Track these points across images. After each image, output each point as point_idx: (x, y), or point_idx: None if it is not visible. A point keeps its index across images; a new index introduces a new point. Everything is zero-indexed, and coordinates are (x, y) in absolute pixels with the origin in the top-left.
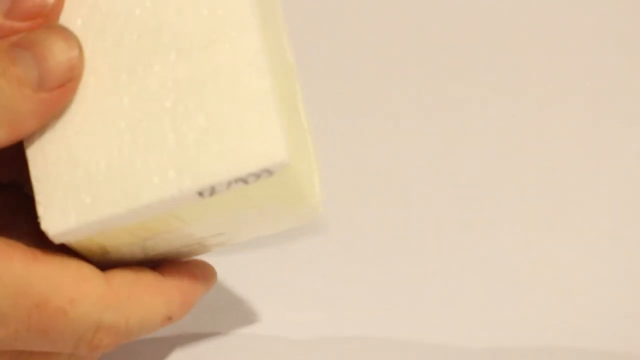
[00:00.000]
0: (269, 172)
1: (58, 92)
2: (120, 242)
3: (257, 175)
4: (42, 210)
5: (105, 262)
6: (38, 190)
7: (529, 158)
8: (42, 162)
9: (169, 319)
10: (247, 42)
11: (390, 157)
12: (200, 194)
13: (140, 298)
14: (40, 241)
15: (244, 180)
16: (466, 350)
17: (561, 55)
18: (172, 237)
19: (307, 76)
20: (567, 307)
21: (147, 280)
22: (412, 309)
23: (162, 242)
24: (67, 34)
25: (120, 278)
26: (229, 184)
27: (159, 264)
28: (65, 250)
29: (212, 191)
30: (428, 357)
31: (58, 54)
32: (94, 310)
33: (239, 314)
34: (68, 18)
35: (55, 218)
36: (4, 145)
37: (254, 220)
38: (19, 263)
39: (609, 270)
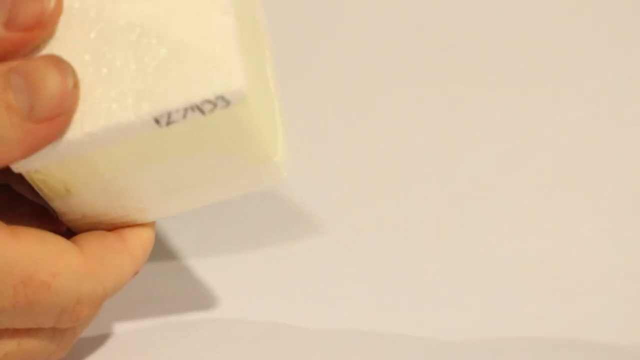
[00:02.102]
0: (224, 100)
1: (47, 124)
2: (82, 181)
3: (214, 104)
4: None
5: (67, 208)
6: None
7: (529, 158)
8: None
9: (136, 272)
10: None
11: (390, 157)
12: (157, 121)
13: (112, 263)
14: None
15: (200, 109)
16: (466, 349)
17: (561, 55)
18: (131, 182)
19: (307, 76)
20: (567, 306)
21: (113, 243)
22: (413, 309)
23: (123, 187)
24: (63, 66)
25: (91, 247)
26: (185, 112)
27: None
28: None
29: (169, 118)
30: (428, 356)
31: (51, 85)
32: (74, 282)
33: (239, 313)
34: None
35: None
36: None
37: (210, 172)
38: (2, 241)
39: (609, 269)
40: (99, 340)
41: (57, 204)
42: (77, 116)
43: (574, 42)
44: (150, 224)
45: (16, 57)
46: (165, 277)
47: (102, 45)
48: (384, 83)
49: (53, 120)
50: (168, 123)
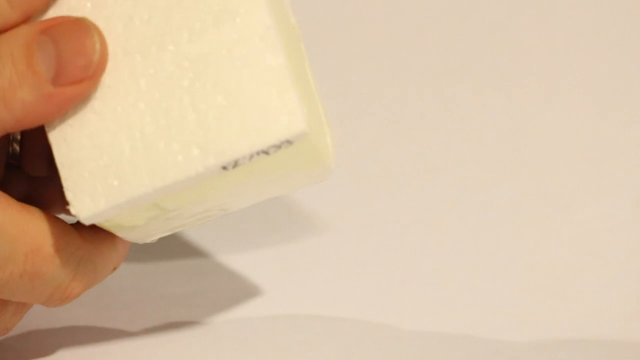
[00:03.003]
0: (289, 142)
1: (74, 87)
2: (147, 217)
3: (278, 146)
4: (71, 196)
5: (125, 234)
6: (65, 176)
7: (529, 158)
8: (65, 148)
9: (114, 269)
10: (257, 17)
11: (390, 156)
12: (224, 168)
13: (102, 249)
14: None
15: (265, 152)
16: (466, 348)
17: (561, 55)
18: (195, 206)
19: None
20: (567, 306)
21: (106, 234)
22: (412, 309)
23: (185, 213)
24: (91, 30)
25: (87, 230)
26: (252, 157)
27: None
28: None
29: (236, 164)
30: (429, 355)
31: (79, 49)
32: (74, 259)
33: (240, 313)
34: (77, 1)
35: (85, 203)
36: (14, 131)
37: (272, 182)
38: (15, 211)
39: (609, 269)
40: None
41: (119, 234)
42: (144, 169)
43: (574, 42)
44: None
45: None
46: (166, 277)
47: (155, 93)
48: (384, 83)
49: (80, 83)
50: (234, 167)
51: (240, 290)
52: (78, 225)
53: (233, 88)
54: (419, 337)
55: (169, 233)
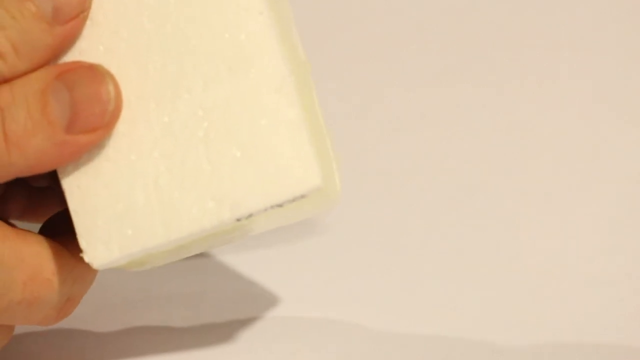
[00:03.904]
0: (303, 196)
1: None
2: (158, 257)
3: (292, 201)
4: (84, 243)
5: (138, 266)
6: (78, 223)
7: (529, 157)
8: (79, 195)
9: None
10: (273, 67)
11: (390, 157)
12: (238, 219)
13: (90, 271)
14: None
15: (279, 206)
16: (466, 348)
17: (561, 55)
18: (205, 243)
19: None
20: (567, 305)
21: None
22: (412, 308)
23: (194, 249)
24: (105, 77)
25: (77, 248)
26: (266, 210)
27: None
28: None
29: (250, 216)
30: (428, 355)
31: (94, 97)
32: (69, 281)
33: (240, 313)
34: (89, 44)
35: (99, 251)
36: (25, 175)
37: (278, 221)
38: (12, 239)
39: (609, 269)
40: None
41: (127, 269)
42: (159, 220)
43: (574, 42)
44: None
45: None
46: (166, 277)
47: (170, 142)
48: (384, 83)
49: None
50: (248, 218)
51: (241, 290)
52: (69, 244)
53: (248, 140)
54: (418, 337)
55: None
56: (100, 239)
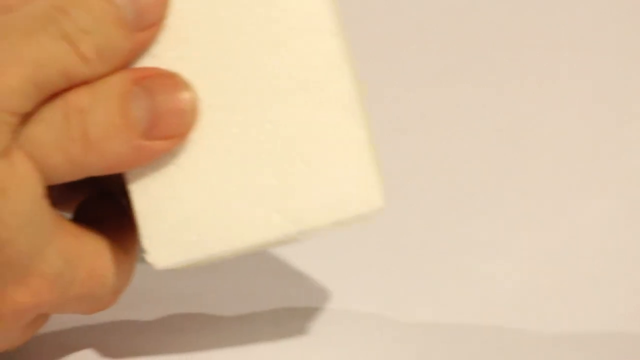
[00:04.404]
0: (366, 216)
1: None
2: (216, 259)
3: (355, 219)
4: (147, 244)
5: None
6: (143, 225)
7: (529, 157)
8: (146, 198)
9: None
10: (342, 87)
11: (390, 157)
12: (301, 233)
13: (133, 265)
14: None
15: (342, 223)
16: (467, 347)
17: (561, 55)
18: (260, 248)
19: None
20: (567, 305)
21: (135, 246)
22: (415, 306)
23: (249, 252)
24: (186, 86)
25: (126, 242)
26: (328, 226)
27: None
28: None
29: (312, 230)
30: (429, 353)
31: (174, 105)
32: (117, 276)
33: (241, 313)
34: (162, 50)
35: (162, 254)
36: (98, 175)
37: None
38: (75, 237)
39: (610, 268)
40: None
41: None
42: (224, 228)
43: (574, 42)
44: None
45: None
46: (167, 277)
47: (238, 153)
48: (384, 83)
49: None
50: (311, 231)
51: (242, 290)
52: (110, 234)
53: (315, 156)
54: (419, 335)
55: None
56: (165, 242)
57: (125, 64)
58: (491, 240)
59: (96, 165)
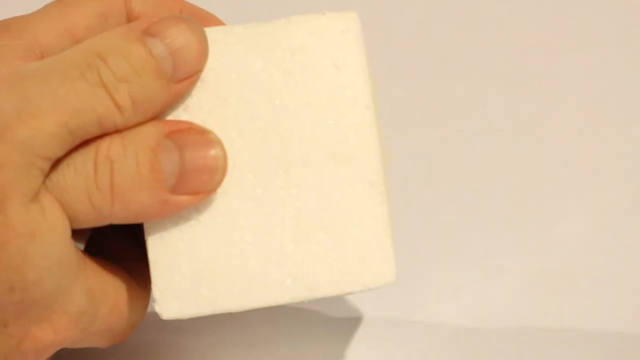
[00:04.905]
0: (376, 289)
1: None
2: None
3: (365, 290)
4: (158, 294)
5: None
6: (155, 274)
7: (529, 157)
8: (161, 248)
9: None
10: (371, 162)
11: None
12: (310, 299)
13: (148, 300)
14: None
15: (351, 293)
16: (467, 347)
17: (561, 55)
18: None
19: None
20: (567, 305)
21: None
22: (413, 308)
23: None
24: (217, 145)
25: (142, 276)
26: (338, 294)
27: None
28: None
29: (322, 297)
30: (428, 353)
31: (203, 163)
32: (134, 311)
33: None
34: (195, 103)
35: (171, 305)
36: (120, 223)
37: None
38: (100, 274)
39: (610, 268)
40: None
41: None
42: (236, 287)
43: (574, 42)
44: None
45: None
46: None
47: (260, 215)
48: (384, 83)
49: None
50: (320, 297)
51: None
52: (133, 270)
53: (336, 227)
54: (418, 335)
55: None
56: (175, 294)
57: (159, 115)
58: (491, 240)
59: (120, 215)
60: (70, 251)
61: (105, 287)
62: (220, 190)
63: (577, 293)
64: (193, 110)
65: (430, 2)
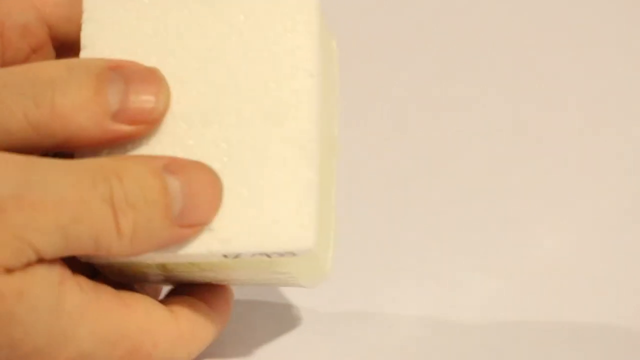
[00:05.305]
0: (293, 254)
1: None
2: (143, 269)
3: (281, 254)
4: None
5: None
6: None
7: (529, 157)
8: None
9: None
10: (304, 126)
11: (389, 156)
12: (225, 256)
13: (200, 334)
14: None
15: (267, 255)
16: (466, 347)
17: (561, 55)
18: (190, 273)
19: None
20: (567, 305)
21: (203, 315)
22: (413, 308)
23: (180, 275)
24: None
25: (184, 317)
26: (253, 255)
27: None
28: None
29: (237, 256)
30: (428, 353)
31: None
32: (169, 353)
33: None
34: (143, 53)
35: None
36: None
37: (268, 276)
38: (115, 312)
39: (610, 268)
40: None
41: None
42: None
43: (574, 42)
44: (229, 298)
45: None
46: None
47: None
48: (384, 83)
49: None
50: (235, 258)
51: (240, 290)
52: (176, 306)
53: (259, 185)
54: (417, 335)
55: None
56: None
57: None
58: (491, 240)
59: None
60: (65, 297)
61: (123, 326)
62: (153, 138)
63: (576, 293)
64: (142, 57)
65: (430, 2)
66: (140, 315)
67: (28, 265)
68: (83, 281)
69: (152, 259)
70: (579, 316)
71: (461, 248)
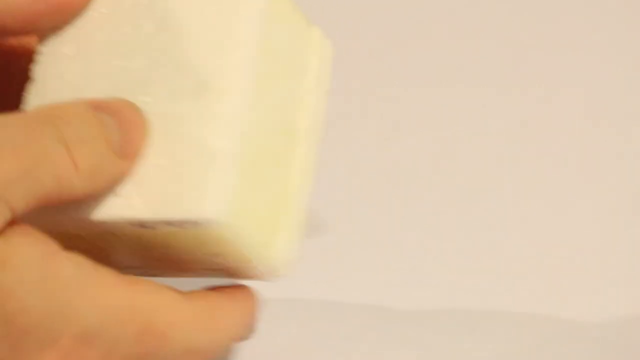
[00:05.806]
0: (195, 223)
1: (130, 162)
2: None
3: (183, 222)
4: None
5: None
6: None
7: (529, 157)
8: None
9: (241, 338)
10: (233, 103)
11: (390, 157)
12: (131, 224)
13: (221, 320)
14: None
15: (169, 224)
16: (466, 347)
17: (561, 55)
18: (123, 250)
19: None
20: (567, 305)
21: (221, 302)
22: (413, 308)
23: (125, 257)
24: (132, 105)
25: (198, 299)
26: (155, 224)
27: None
28: None
29: (142, 225)
30: (427, 353)
31: (136, 122)
32: (186, 332)
33: None
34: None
35: None
36: (83, 198)
37: (211, 263)
38: (120, 287)
39: (610, 268)
40: None
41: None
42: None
43: (574, 42)
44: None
45: None
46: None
47: None
48: (384, 83)
49: (137, 155)
50: (141, 227)
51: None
52: (191, 294)
53: (178, 155)
54: (417, 336)
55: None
56: None
57: (106, 189)
58: (491, 239)
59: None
60: (61, 266)
61: (132, 303)
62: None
63: (576, 293)
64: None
65: (430, 2)
66: (149, 292)
67: (4, 226)
68: (79, 257)
69: (63, 225)
70: (579, 316)
71: (461, 248)
